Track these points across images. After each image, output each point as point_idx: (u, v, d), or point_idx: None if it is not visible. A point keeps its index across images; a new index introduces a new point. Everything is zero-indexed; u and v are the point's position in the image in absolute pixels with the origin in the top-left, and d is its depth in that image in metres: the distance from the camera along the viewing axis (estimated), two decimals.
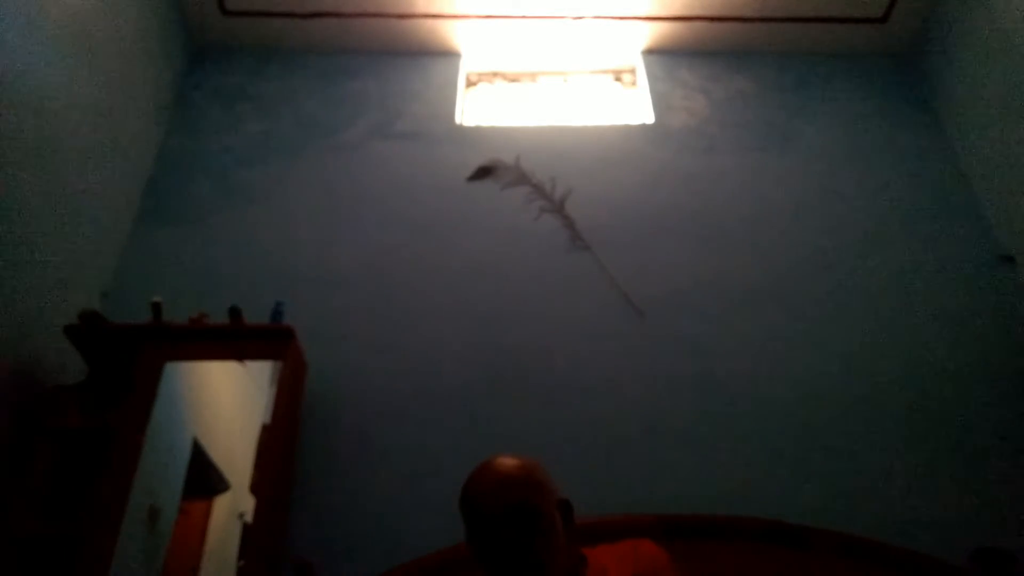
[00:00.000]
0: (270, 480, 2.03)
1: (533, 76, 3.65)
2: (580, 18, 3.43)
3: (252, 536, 1.97)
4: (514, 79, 3.64)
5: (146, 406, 2.06)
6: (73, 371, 2.30)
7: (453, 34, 3.46)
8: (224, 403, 2.33)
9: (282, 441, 2.10)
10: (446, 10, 3.37)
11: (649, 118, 3.30)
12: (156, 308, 2.24)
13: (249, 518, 1.99)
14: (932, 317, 2.65)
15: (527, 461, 1.13)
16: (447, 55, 3.51)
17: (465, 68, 3.53)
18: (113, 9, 2.80)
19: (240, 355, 2.26)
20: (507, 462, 1.13)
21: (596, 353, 2.52)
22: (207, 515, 2.08)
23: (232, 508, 2.07)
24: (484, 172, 3.04)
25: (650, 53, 3.56)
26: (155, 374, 2.13)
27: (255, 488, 2.05)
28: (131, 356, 2.16)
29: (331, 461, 2.26)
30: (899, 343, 2.58)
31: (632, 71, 3.64)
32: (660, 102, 3.35)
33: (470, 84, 3.60)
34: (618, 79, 3.65)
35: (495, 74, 3.65)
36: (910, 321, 2.64)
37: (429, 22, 3.41)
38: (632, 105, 3.50)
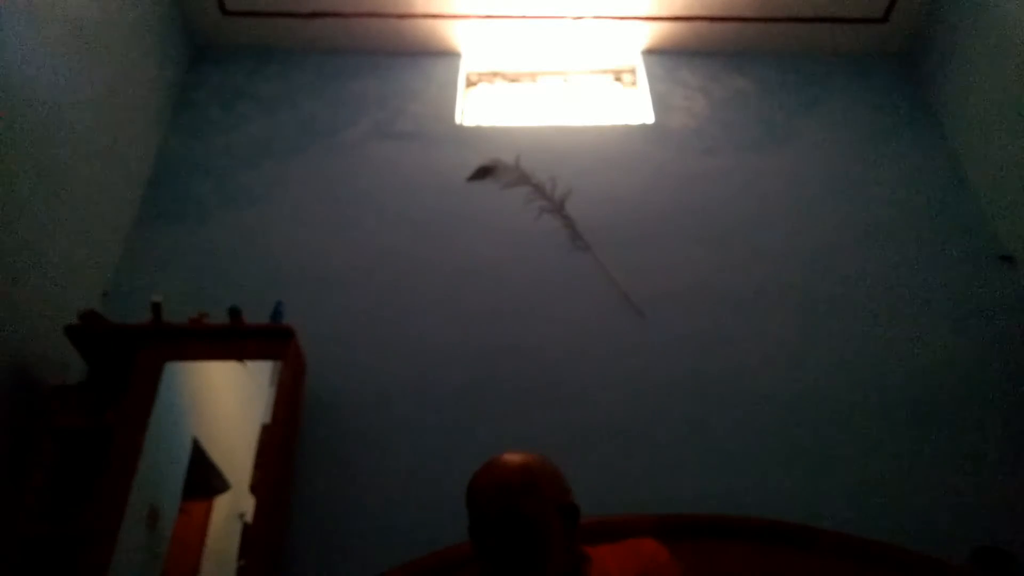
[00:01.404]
0: (270, 480, 2.03)
1: (533, 76, 3.65)
2: (580, 18, 3.43)
3: (252, 536, 1.97)
4: (514, 79, 3.64)
5: (146, 406, 2.06)
6: (73, 371, 2.30)
7: (453, 34, 3.46)
8: (224, 403, 2.33)
9: (282, 441, 2.10)
10: (446, 10, 3.37)
11: (649, 118, 3.30)
12: (156, 308, 2.24)
13: (249, 518, 1.99)
14: (932, 317, 2.65)
15: (530, 463, 1.13)
16: (447, 55, 3.51)
17: (465, 68, 3.53)
18: (113, 9, 2.80)
19: (240, 355, 2.26)
20: (509, 463, 1.13)
21: (596, 353, 2.52)
22: (207, 515, 2.07)
23: (232, 508, 2.07)
24: (484, 172, 3.04)
25: (650, 53, 3.56)
26: (155, 374, 2.13)
27: (255, 488, 2.05)
28: (131, 356, 2.16)
29: (331, 461, 2.26)
30: (899, 343, 2.58)
31: (632, 71, 3.64)
32: (660, 102, 3.35)
33: (470, 84, 3.59)
34: (618, 79, 3.65)
35: (495, 74, 3.65)
36: (910, 321, 2.63)
37: (429, 22, 3.41)
38: (632, 105, 3.50)
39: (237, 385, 2.33)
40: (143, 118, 2.99)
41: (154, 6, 3.10)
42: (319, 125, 3.20)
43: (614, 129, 3.26)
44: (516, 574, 1.04)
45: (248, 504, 2.02)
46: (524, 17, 3.42)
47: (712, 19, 3.43)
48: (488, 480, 1.12)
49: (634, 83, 3.61)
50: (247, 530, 1.99)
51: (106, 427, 2.04)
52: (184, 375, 2.20)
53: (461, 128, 3.24)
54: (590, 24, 3.45)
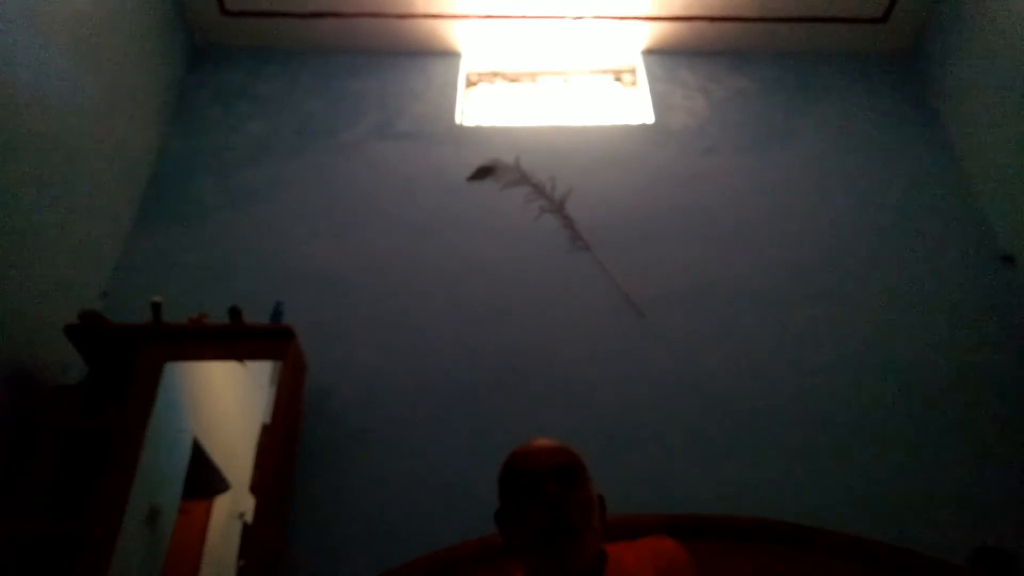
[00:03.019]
0: (270, 480, 2.03)
1: (533, 76, 3.65)
2: (580, 18, 3.43)
3: (252, 536, 1.97)
4: (514, 79, 3.64)
5: (146, 406, 2.06)
6: (73, 371, 2.30)
7: (453, 34, 3.46)
8: (224, 403, 2.33)
9: (282, 441, 2.10)
10: (446, 10, 3.37)
11: (649, 118, 3.30)
12: (156, 308, 2.24)
13: (249, 518, 1.99)
14: (932, 317, 2.65)
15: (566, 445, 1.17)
16: (447, 55, 3.51)
17: (465, 68, 3.53)
18: (113, 9, 2.80)
19: (240, 355, 2.26)
20: (550, 441, 1.16)
21: (596, 353, 2.52)
22: (207, 515, 2.07)
23: (232, 508, 2.07)
24: (484, 172, 3.04)
25: (650, 53, 3.56)
26: (155, 374, 2.13)
27: (255, 488, 2.05)
28: (131, 356, 2.16)
29: (331, 461, 2.26)
30: (899, 343, 2.58)
31: (632, 71, 3.64)
32: (660, 102, 3.35)
33: (470, 84, 3.59)
34: (618, 79, 3.65)
35: (495, 74, 3.65)
36: (910, 321, 2.63)
37: (429, 22, 3.41)
38: (632, 105, 3.50)
39: (237, 385, 2.33)
40: (143, 118, 2.99)
41: (154, 6, 3.10)
42: (319, 125, 3.20)
43: (614, 129, 3.26)
44: (562, 532, 1.02)
45: (248, 504, 2.02)
46: (524, 17, 3.42)
47: (712, 19, 3.43)
48: (540, 445, 1.14)
49: (634, 83, 3.61)
50: (247, 530, 1.99)
51: (106, 427, 2.03)
52: (184, 375, 2.20)
53: (461, 128, 3.24)
54: (590, 24, 3.45)
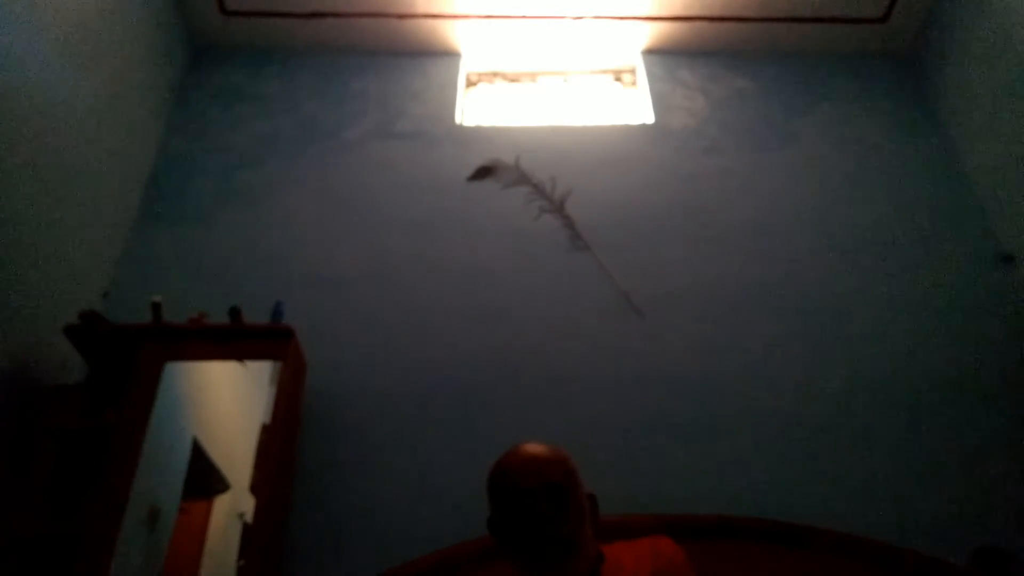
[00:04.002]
0: (270, 480, 2.03)
1: (533, 76, 3.65)
2: (580, 18, 3.43)
3: (252, 536, 1.97)
4: (514, 79, 3.64)
5: (146, 406, 2.06)
6: (73, 371, 2.30)
7: (453, 34, 3.47)
8: (224, 403, 2.33)
9: (282, 441, 2.10)
10: (446, 10, 3.37)
11: (649, 118, 3.30)
12: (156, 308, 2.24)
13: (249, 518, 1.99)
14: (932, 317, 2.65)
15: (557, 448, 1.15)
16: (447, 55, 3.51)
17: (465, 68, 3.53)
18: (113, 10, 2.80)
19: (240, 355, 2.26)
20: (542, 445, 1.15)
21: (596, 353, 2.52)
22: (207, 515, 2.07)
23: (232, 508, 2.07)
24: (484, 172, 3.04)
25: (650, 53, 3.56)
26: (155, 374, 2.13)
27: (255, 488, 2.05)
28: (131, 356, 2.16)
29: (331, 461, 2.27)
30: (899, 343, 2.58)
31: (632, 71, 3.64)
32: (660, 102, 3.35)
33: (470, 84, 3.60)
34: (618, 79, 3.65)
35: (495, 74, 3.65)
36: (910, 321, 2.64)
37: (429, 22, 3.41)
38: (632, 105, 3.50)
39: (237, 385, 2.33)
40: (143, 118, 3.00)
41: (154, 6, 3.10)
42: (319, 125, 3.20)
43: (614, 129, 3.26)
44: (556, 548, 1.03)
45: (248, 504, 2.02)
46: (524, 17, 3.42)
47: (712, 19, 3.43)
48: (528, 458, 1.12)
49: (634, 83, 3.61)
50: (247, 530, 1.99)
51: (106, 427, 2.03)
52: (184, 375, 2.20)
53: (461, 128, 3.24)
54: (590, 24, 3.45)
